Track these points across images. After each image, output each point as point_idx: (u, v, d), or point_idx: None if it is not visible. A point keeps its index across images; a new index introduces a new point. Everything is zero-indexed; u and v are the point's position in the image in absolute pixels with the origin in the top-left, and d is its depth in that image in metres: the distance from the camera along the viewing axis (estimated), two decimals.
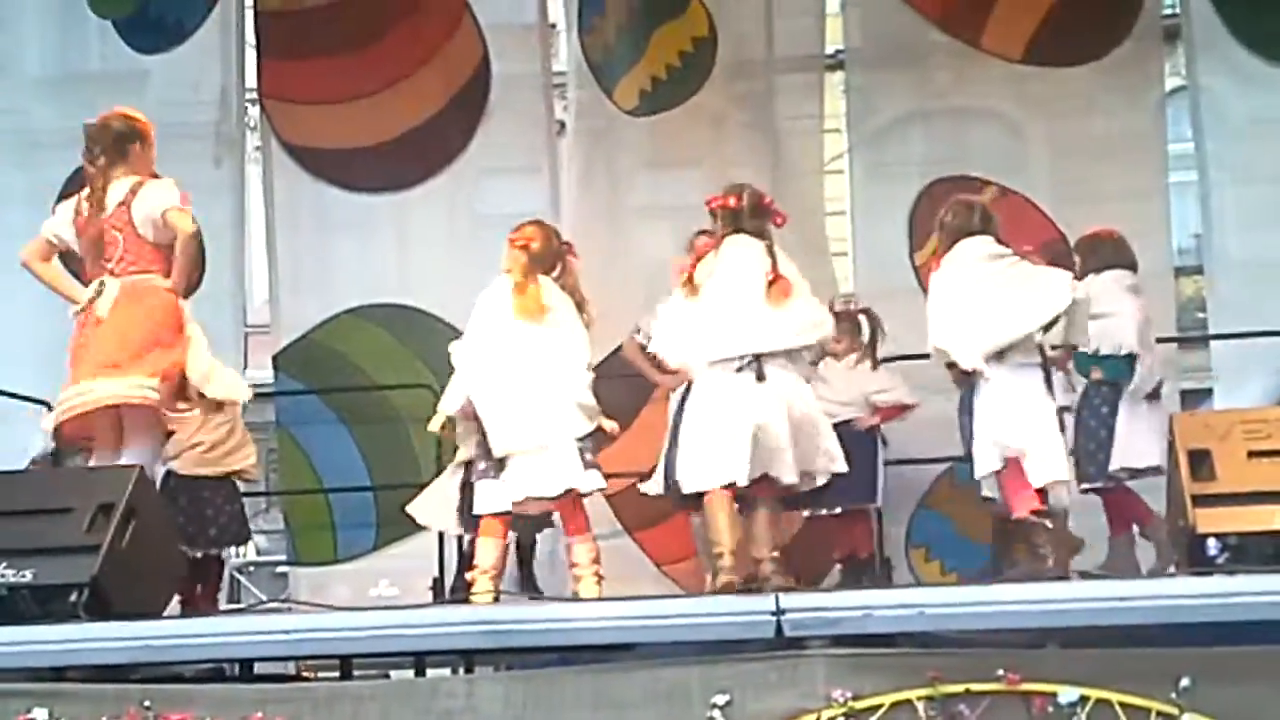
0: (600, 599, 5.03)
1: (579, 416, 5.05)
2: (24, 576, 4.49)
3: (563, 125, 8.52)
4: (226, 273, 7.71)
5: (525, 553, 6.22)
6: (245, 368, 10.84)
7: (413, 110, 7.63)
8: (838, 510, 6.20)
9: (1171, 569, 5.13)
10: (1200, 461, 4.61)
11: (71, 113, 7.83)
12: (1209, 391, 7.62)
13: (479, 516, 5.16)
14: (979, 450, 5.04)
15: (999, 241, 5.26)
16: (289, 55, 7.74)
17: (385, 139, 7.63)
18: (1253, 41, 7.17)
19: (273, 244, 7.91)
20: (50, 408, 7.19)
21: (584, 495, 5.08)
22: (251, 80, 8.06)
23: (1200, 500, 4.57)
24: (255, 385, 7.96)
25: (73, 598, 4.45)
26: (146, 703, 4.14)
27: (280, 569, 7.02)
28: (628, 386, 6.80)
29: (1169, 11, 7.82)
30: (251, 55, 7.99)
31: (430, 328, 7.52)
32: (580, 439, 5.04)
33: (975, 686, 3.93)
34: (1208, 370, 7.69)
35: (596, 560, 5.06)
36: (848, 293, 7.63)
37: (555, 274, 5.31)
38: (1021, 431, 4.98)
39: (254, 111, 8.29)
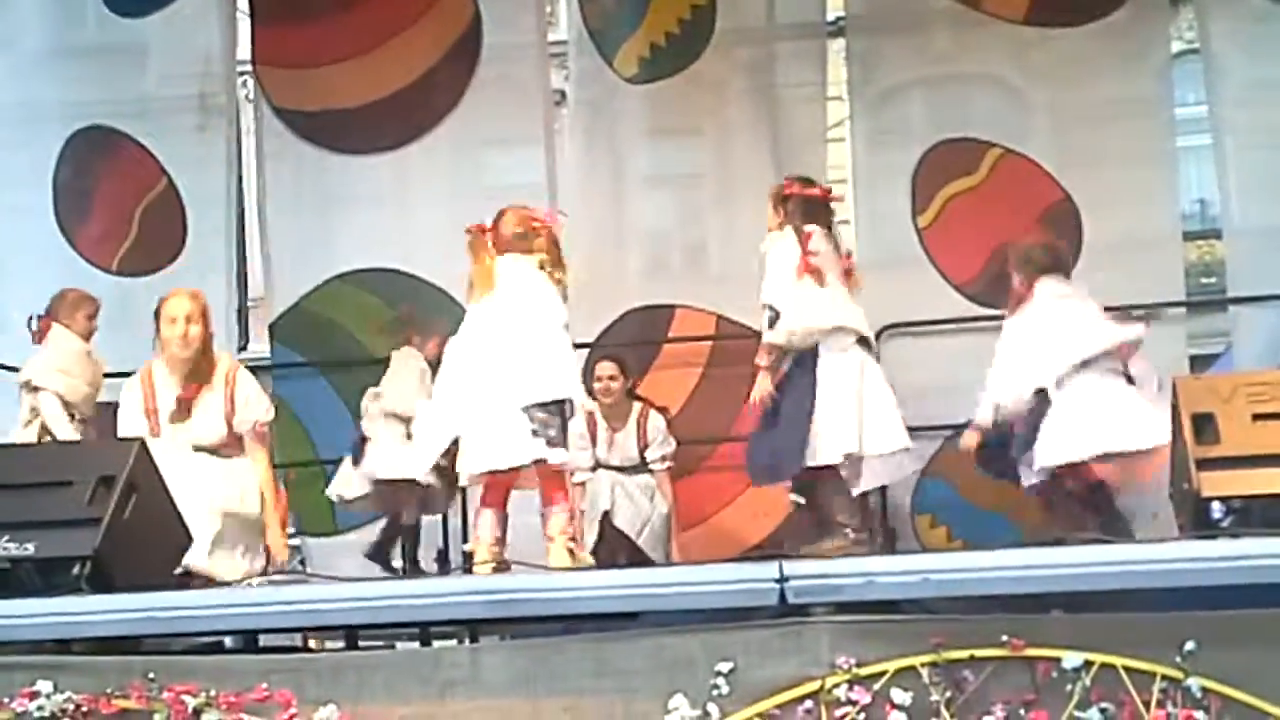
0: (582, 568, 5.03)
1: (534, 385, 4.96)
2: (26, 549, 4.49)
3: (562, 95, 8.50)
4: (220, 244, 7.70)
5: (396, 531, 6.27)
6: (246, 341, 10.88)
7: (402, 70, 7.60)
8: None
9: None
10: (1204, 425, 4.59)
11: (72, 87, 7.87)
12: (1215, 357, 7.61)
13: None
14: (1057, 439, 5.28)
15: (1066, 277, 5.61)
16: (280, 18, 7.70)
17: (374, 99, 7.59)
18: None
19: (264, 211, 7.88)
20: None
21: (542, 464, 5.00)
22: (243, 49, 8.01)
23: (1204, 464, 4.56)
24: (257, 359, 8.00)
25: (75, 570, 4.45)
26: (150, 674, 4.13)
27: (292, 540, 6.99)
28: (631, 355, 6.81)
29: None
30: (242, 22, 7.94)
31: (423, 294, 7.50)
32: (534, 406, 4.94)
33: (979, 652, 3.92)
34: (1214, 336, 7.68)
35: (569, 530, 5.05)
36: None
37: (528, 248, 5.22)
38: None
39: (250, 83, 8.24)
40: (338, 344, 7.59)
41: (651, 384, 6.72)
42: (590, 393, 5.74)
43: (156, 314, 5.51)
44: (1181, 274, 7.37)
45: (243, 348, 10.68)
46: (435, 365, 5.46)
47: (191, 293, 5.58)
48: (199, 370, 5.43)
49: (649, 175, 7.76)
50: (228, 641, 5.03)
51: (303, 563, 6.95)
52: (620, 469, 6.23)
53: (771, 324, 5.38)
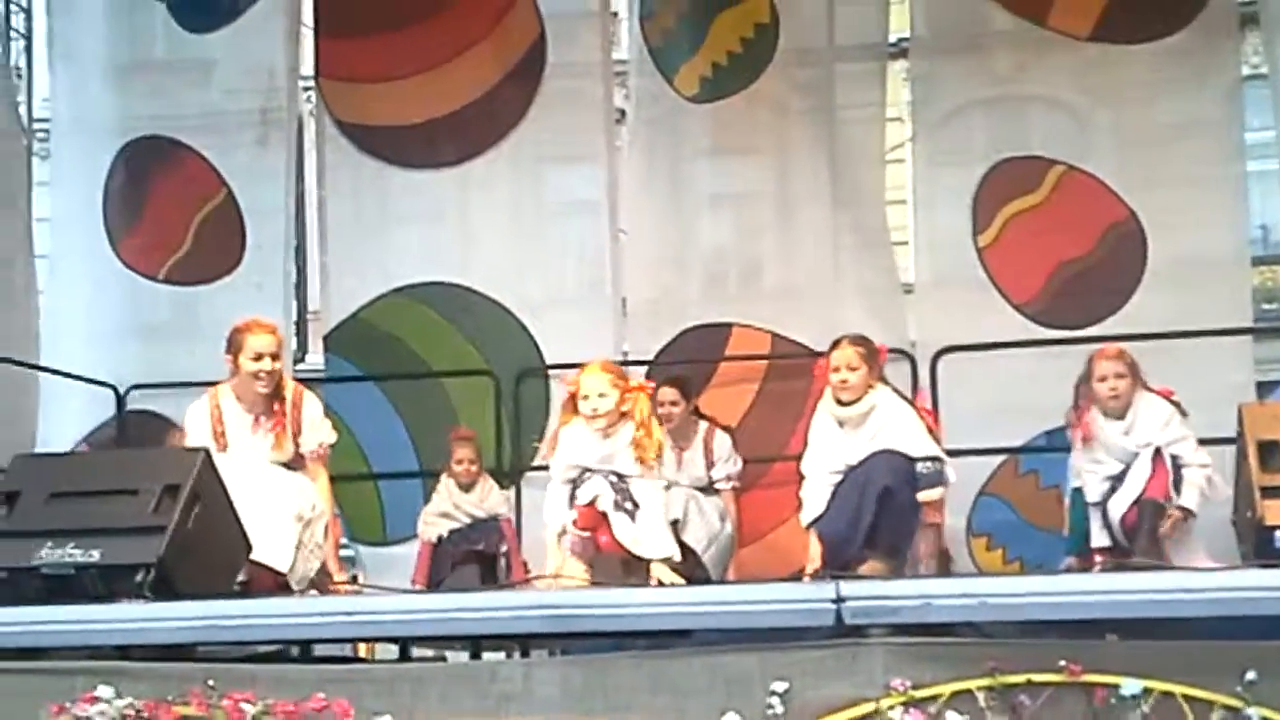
0: (660, 586, 5.05)
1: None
2: (91, 556, 4.55)
3: (622, 113, 8.53)
4: (278, 256, 7.77)
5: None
6: (305, 353, 10.98)
7: (466, 87, 7.63)
8: None
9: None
10: (1270, 453, 4.56)
11: (135, 101, 7.99)
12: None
13: None
14: None
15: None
16: (344, 33, 7.76)
17: (436, 115, 7.63)
18: None
19: (324, 223, 7.95)
20: (106, 386, 7.38)
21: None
22: (305, 61, 8.09)
23: (1269, 492, 4.52)
24: (313, 370, 8.07)
25: (139, 578, 4.50)
26: (210, 682, 4.18)
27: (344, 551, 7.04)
28: (689, 373, 6.82)
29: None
30: (305, 35, 8.01)
31: (481, 308, 7.54)
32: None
33: (1036, 677, 3.89)
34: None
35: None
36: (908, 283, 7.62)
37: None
38: None
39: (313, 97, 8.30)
40: (394, 357, 7.63)
41: (708, 402, 6.72)
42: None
43: (236, 343, 5.53)
44: (1249, 299, 7.29)
45: (300, 360, 10.76)
46: None
47: (271, 327, 5.65)
48: (270, 402, 5.51)
49: (708, 194, 7.76)
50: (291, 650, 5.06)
51: (356, 577, 6.99)
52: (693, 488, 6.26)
53: (939, 477, 5.41)
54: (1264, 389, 7.08)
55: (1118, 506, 5.38)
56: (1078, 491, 5.58)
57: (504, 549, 6.55)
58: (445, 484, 6.66)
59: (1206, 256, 7.05)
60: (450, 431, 6.91)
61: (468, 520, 6.57)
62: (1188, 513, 5.34)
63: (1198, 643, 3.99)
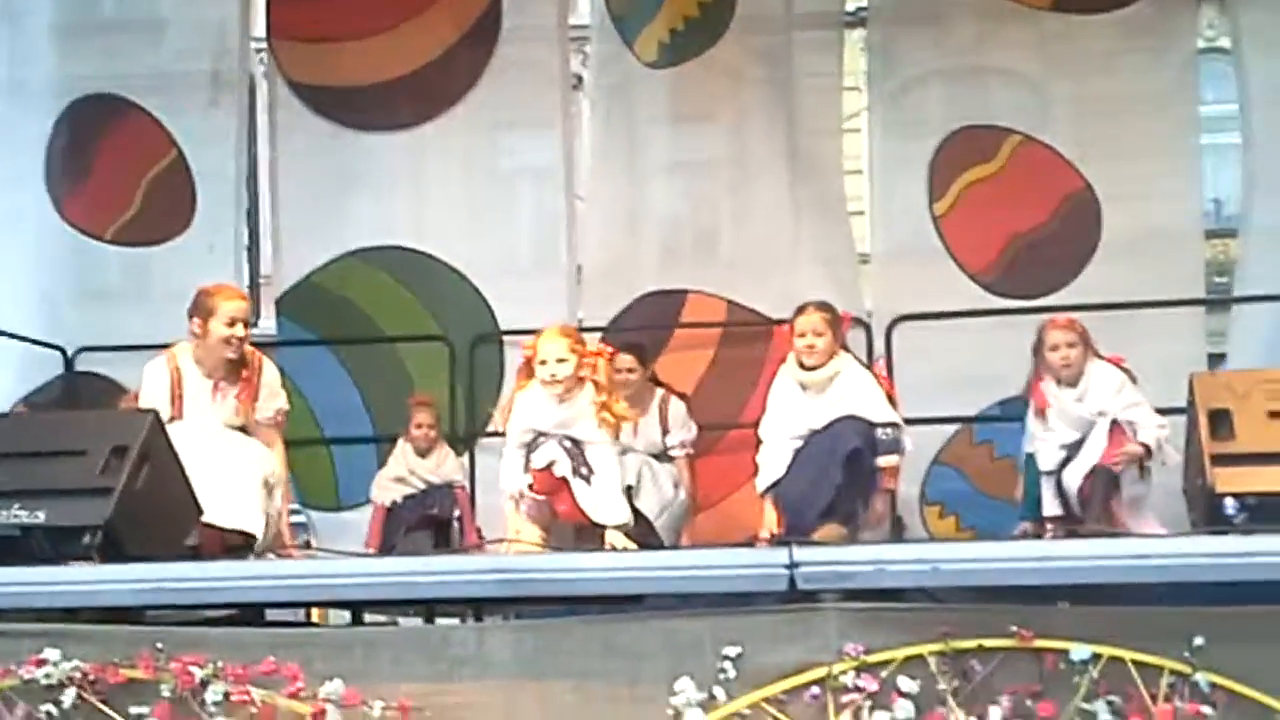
0: (613, 549, 5.05)
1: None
2: (37, 517, 4.50)
3: (578, 79, 8.47)
4: (229, 219, 7.69)
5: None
6: (258, 318, 10.89)
7: (420, 49, 7.54)
8: None
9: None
10: (1220, 421, 4.59)
11: (86, 61, 7.86)
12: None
13: None
14: None
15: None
16: None
17: (390, 77, 7.54)
18: None
19: (275, 185, 7.87)
20: (54, 348, 7.29)
21: None
22: (258, 22, 7.99)
23: (1219, 459, 4.56)
24: (265, 335, 8.00)
25: (86, 539, 4.46)
26: (159, 645, 4.15)
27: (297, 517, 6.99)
28: (643, 339, 6.80)
29: None
30: None
31: (436, 273, 7.49)
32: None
33: (987, 642, 3.92)
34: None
35: None
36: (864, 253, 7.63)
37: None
38: None
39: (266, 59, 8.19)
40: (347, 321, 7.56)
41: (662, 368, 6.71)
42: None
43: (206, 307, 5.47)
44: (1202, 271, 7.33)
45: (253, 325, 10.66)
46: None
47: (243, 294, 5.64)
48: (233, 368, 5.46)
49: (664, 161, 7.72)
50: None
51: (309, 542, 6.95)
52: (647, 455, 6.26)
53: (897, 444, 5.44)
54: (1215, 361, 7.12)
55: (1073, 476, 5.42)
56: (1030, 457, 5.62)
57: (458, 514, 6.52)
58: (401, 448, 6.63)
59: (1160, 229, 7.09)
60: (404, 397, 6.87)
61: (422, 486, 6.55)
62: (1146, 449, 5.36)
63: (1147, 608, 4.03)
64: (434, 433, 6.61)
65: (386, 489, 6.57)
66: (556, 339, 5.34)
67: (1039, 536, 5.43)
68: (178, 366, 5.45)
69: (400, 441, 6.64)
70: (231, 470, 5.16)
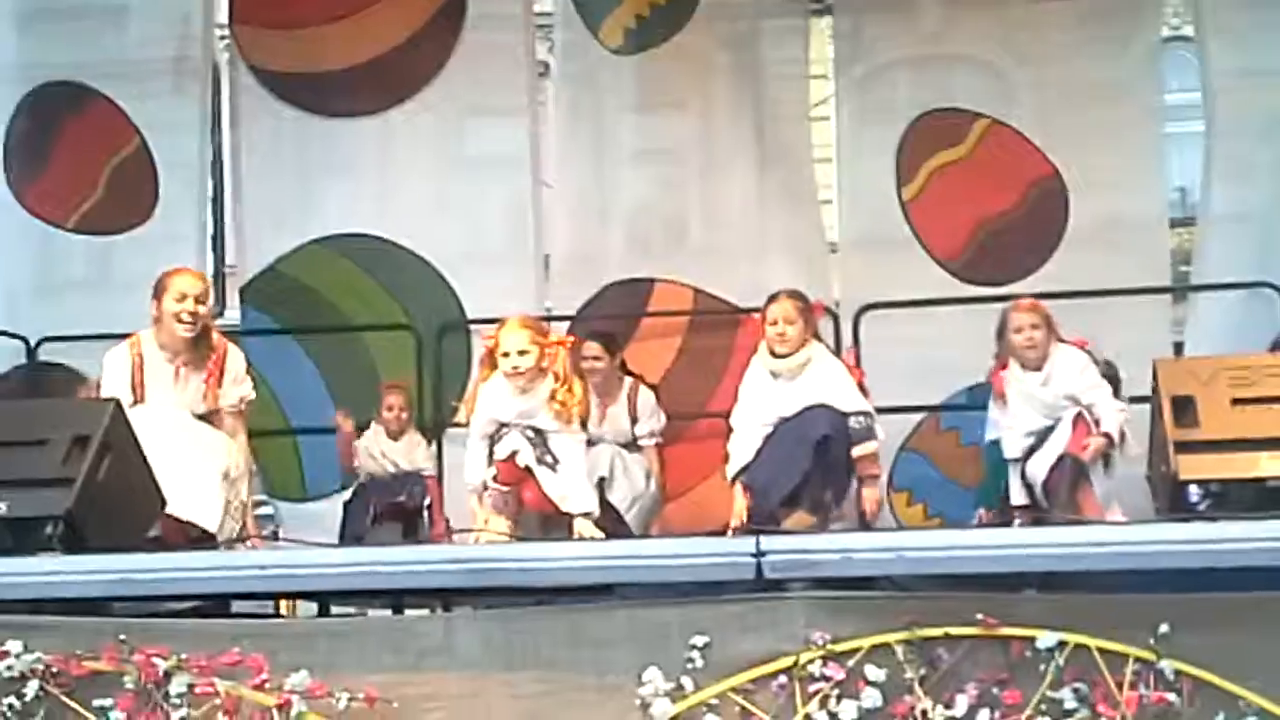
0: (581, 539, 5.04)
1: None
2: None
3: (545, 66, 8.44)
4: (192, 207, 7.63)
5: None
6: (224, 308, 10.83)
7: (385, 34, 7.51)
8: None
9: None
10: (1183, 407, 4.60)
11: (48, 48, 7.78)
12: None
13: None
14: None
15: None
16: None
17: (355, 62, 7.51)
18: None
19: (239, 172, 7.81)
20: (16, 338, 7.22)
21: None
22: (221, 9, 7.93)
23: (1183, 446, 4.56)
24: (231, 325, 7.94)
25: (48, 530, 4.41)
26: (122, 636, 4.12)
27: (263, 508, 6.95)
28: (611, 328, 6.79)
29: None
30: None
31: (402, 261, 7.45)
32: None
33: (954, 630, 3.93)
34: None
35: None
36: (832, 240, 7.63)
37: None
38: None
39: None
40: (312, 310, 7.52)
41: (631, 357, 6.70)
42: (578, 370, 5.78)
43: (160, 286, 5.43)
44: (1168, 260, 7.37)
45: (219, 314, 10.59)
46: None
47: (199, 274, 5.58)
48: (195, 349, 5.41)
49: (632, 149, 7.71)
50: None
51: (276, 533, 6.91)
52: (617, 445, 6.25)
53: (870, 431, 5.44)
54: (1181, 349, 7.16)
55: (1039, 467, 5.43)
56: (994, 444, 5.63)
57: (427, 503, 6.50)
58: (374, 429, 6.59)
59: (1126, 217, 7.12)
60: (370, 386, 6.84)
61: (391, 470, 6.51)
62: (1109, 439, 5.38)
63: (1112, 596, 4.05)
64: (405, 415, 6.59)
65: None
66: (518, 330, 5.32)
67: (998, 524, 5.44)
68: (140, 352, 5.40)
69: (373, 424, 6.60)
70: (191, 462, 5.11)
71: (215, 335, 5.56)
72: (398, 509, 6.50)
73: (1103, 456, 5.38)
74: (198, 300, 5.40)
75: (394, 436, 6.56)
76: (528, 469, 5.23)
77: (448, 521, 6.34)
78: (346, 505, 6.55)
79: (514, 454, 5.24)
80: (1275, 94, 7.08)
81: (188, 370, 5.41)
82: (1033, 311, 5.59)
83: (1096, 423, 5.40)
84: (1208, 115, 7.22)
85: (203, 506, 5.12)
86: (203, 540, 5.12)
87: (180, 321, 5.36)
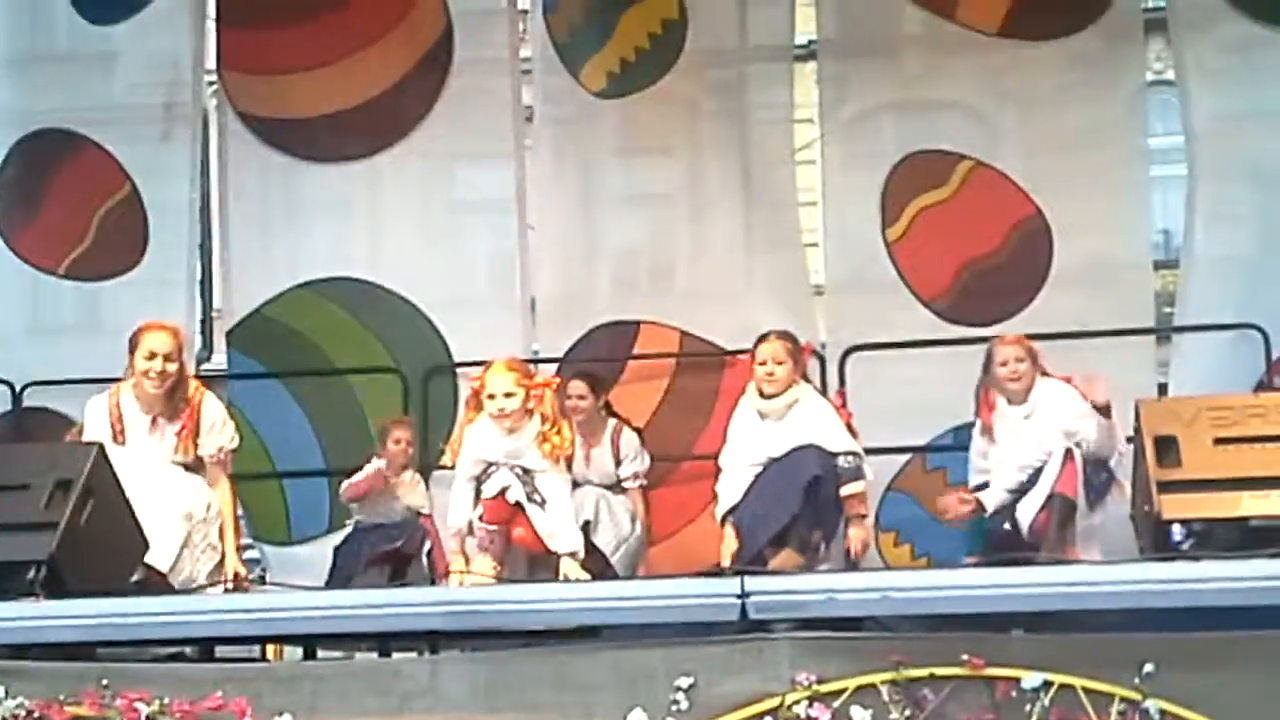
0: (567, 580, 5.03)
1: None
2: None
3: (532, 111, 8.49)
4: (182, 253, 7.64)
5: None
6: (211, 352, 10.83)
7: (372, 80, 7.53)
8: None
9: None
10: (1166, 447, 4.62)
11: (36, 94, 7.81)
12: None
13: None
14: None
15: None
16: (247, 24, 7.62)
17: (342, 108, 7.53)
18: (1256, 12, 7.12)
19: (226, 217, 7.83)
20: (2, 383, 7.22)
21: None
22: (210, 55, 7.96)
23: (1165, 486, 4.58)
24: (220, 370, 7.94)
25: (30, 575, 4.40)
26: (105, 681, 4.10)
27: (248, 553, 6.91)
28: (597, 370, 6.79)
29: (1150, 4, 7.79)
30: (211, 29, 7.87)
31: (388, 305, 7.45)
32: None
33: (939, 670, 3.93)
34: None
35: None
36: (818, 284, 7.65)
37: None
38: None
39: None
40: (299, 354, 7.51)
41: (616, 399, 6.69)
42: (563, 410, 5.79)
43: (132, 342, 5.47)
44: (1152, 301, 7.39)
45: (206, 359, 10.60)
46: None
47: (172, 329, 5.60)
48: (168, 402, 5.43)
49: (618, 193, 7.73)
50: (186, 650, 4.98)
51: (263, 577, 6.88)
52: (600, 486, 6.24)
53: (859, 470, 5.47)
54: (1165, 390, 7.17)
55: (1027, 511, 5.43)
56: (979, 488, 5.63)
57: (428, 548, 6.43)
58: (376, 465, 6.53)
59: (1110, 259, 7.14)
60: (356, 430, 6.82)
61: (389, 504, 6.42)
62: (1107, 407, 5.40)
63: (1097, 636, 4.05)
64: (411, 451, 6.51)
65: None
66: (503, 373, 5.34)
67: (984, 564, 5.44)
68: (118, 403, 5.43)
69: (374, 459, 6.52)
70: (151, 503, 5.09)
71: (192, 386, 5.57)
72: (393, 554, 6.42)
73: (1085, 496, 5.38)
74: (166, 359, 5.44)
75: (396, 472, 6.49)
76: (518, 505, 5.22)
77: (448, 566, 6.29)
78: (338, 549, 6.50)
79: (504, 490, 5.24)
80: (1257, 138, 7.13)
81: (163, 421, 5.43)
82: (1017, 345, 5.63)
83: (1088, 483, 5.40)
84: (1190, 158, 7.26)
85: (155, 546, 5.08)
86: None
87: (147, 377, 5.40)
